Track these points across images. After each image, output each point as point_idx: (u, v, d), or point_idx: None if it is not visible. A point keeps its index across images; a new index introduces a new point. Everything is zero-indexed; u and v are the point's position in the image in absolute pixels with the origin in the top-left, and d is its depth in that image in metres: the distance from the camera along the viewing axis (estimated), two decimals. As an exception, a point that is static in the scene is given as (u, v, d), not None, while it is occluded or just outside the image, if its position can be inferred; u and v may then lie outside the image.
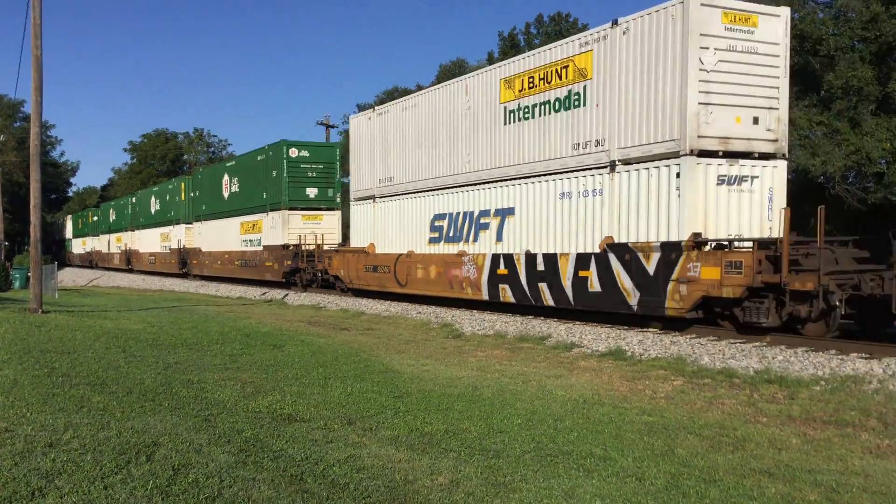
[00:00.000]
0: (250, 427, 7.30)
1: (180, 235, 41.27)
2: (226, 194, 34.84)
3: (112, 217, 58.39)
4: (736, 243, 12.97)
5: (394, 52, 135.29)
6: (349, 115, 22.85)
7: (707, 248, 13.10)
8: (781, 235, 12.00)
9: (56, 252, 77.27)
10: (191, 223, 39.85)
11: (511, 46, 68.83)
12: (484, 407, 8.41)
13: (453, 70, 61.86)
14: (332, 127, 48.33)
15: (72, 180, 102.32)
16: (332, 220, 30.03)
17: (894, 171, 26.67)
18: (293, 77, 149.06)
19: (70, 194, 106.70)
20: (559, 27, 64.63)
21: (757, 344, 12.17)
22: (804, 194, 25.83)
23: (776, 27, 13.89)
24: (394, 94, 68.25)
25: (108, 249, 59.08)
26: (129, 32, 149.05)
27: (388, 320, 18.46)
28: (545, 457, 6.46)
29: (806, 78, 28.61)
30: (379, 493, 5.50)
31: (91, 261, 65.48)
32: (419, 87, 63.95)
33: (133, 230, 51.40)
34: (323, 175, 29.57)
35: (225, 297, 28.01)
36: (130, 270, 51.58)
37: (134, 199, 52.55)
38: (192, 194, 39.62)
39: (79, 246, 72.48)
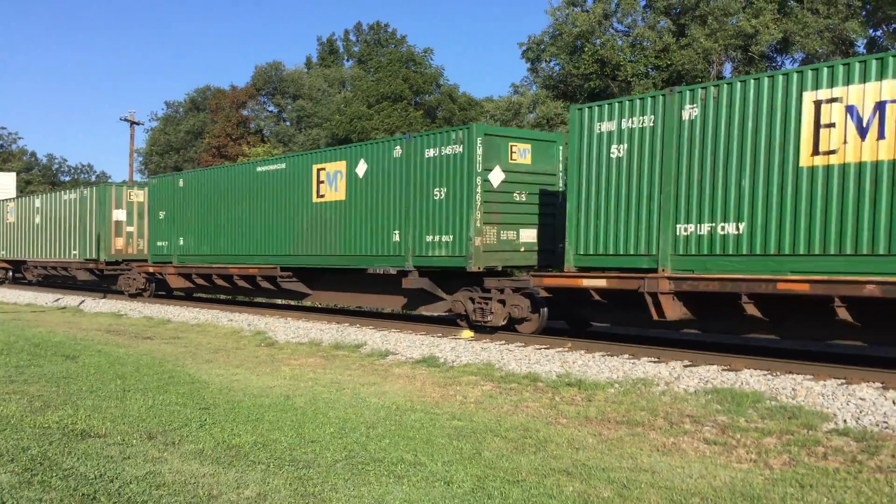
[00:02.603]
0: (37, 444, 6.74)
1: None
2: None
3: None
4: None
5: (208, 50, 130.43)
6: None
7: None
8: None
9: None
10: None
11: (330, 52, 68.47)
12: (296, 416, 8.26)
13: (269, 72, 60.52)
14: (138, 124, 45.76)
15: None
16: None
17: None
18: (98, 69, 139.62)
19: None
20: (378, 36, 65.03)
21: (559, 349, 12.85)
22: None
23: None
24: (206, 93, 65.82)
25: None
26: None
27: (196, 328, 17.72)
28: (357, 465, 6.45)
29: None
30: (181, 510, 5.25)
31: None
32: (233, 88, 61.98)
33: None
34: None
35: (12, 304, 25.74)
36: None
37: None
38: None
39: None
